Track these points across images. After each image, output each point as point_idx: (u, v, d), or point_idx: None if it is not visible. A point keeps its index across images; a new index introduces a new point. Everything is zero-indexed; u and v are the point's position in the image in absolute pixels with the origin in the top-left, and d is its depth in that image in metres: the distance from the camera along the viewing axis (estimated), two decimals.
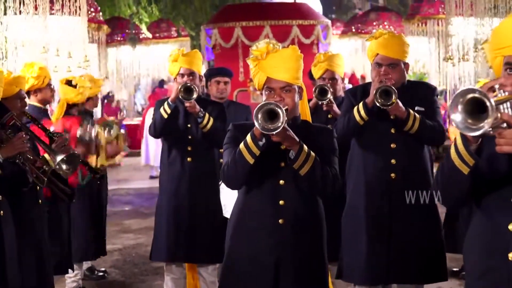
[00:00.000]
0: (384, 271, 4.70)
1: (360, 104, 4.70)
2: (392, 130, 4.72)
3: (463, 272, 6.73)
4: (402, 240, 4.65)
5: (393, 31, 8.77)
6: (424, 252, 4.66)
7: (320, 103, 5.79)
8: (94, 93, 6.63)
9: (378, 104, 4.56)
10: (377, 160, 4.76)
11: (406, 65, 4.89)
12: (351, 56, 15.12)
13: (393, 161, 4.72)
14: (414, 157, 4.84)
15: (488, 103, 2.24)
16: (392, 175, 4.69)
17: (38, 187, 4.70)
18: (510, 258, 2.55)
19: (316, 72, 5.99)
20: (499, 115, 2.32)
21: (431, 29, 11.97)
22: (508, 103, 2.38)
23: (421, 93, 4.90)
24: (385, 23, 14.39)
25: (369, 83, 4.92)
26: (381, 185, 4.68)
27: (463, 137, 2.50)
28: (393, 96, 4.51)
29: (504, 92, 2.43)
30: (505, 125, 2.32)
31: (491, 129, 2.31)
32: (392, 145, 4.74)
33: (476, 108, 2.29)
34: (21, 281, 4.41)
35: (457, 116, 2.32)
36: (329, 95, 5.73)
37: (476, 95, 2.29)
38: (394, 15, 15.04)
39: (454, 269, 6.79)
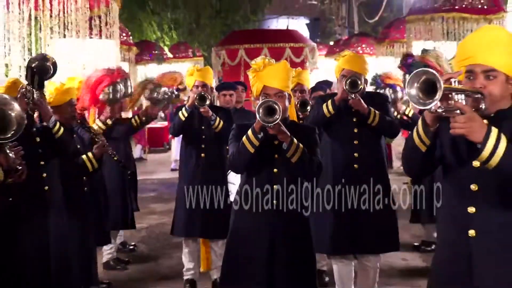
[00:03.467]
0: (347, 243, 4.67)
1: (329, 101, 4.69)
2: (355, 130, 4.72)
3: (422, 246, 6.78)
4: (363, 217, 4.57)
5: (366, 52, 8.85)
6: (380, 227, 4.67)
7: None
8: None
9: (346, 89, 4.54)
10: (343, 153, 4.75)
11: (366, 80, 4.86)
12: (331, 72, 15.23)
13: (356, 154, 4.71)
14: (372, 151, 4.82)
15: (438, 84, 2.27)
16: (355, 166, 4.69)
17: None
18: (469, 235, 2.53)
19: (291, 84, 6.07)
20: (453, 101, 2.34)
21: (397, 50, 11.90)
22: (463, 95, 2.38)
23: (377, 100, 4.87)
24: (363, 45, 14.28)
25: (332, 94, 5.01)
26: (346, 174, 4.63)
27: (424, 122, 2.52)
28: (359, 85, 4.53)
29: (458, 84, 2.43)
30: (458, 111, 2.31)
31: (443, 111, 2.33)
32: (355, 142, 4.73)
33: (428, 88, 2.30)
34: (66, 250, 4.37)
35: (412, 91, 2.34)
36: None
37: (431, 76, 2.31)
38: (371, 39, 15.01)
39: (415, 244, 6.73)
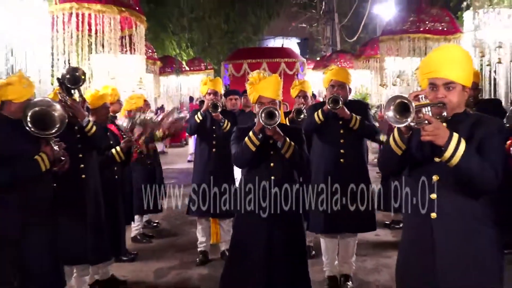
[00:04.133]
0: (336, 224, 4.68)
1: (319, 110, 4.72)
2: (341, 131, 4.71)
3: (392, 224, 6.75)
4: (349, 203, 4.51)
5: (345, 66, 8.86)
6: (362, 212, 4.63)
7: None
8: (138, 104, 6.30)
9: (329, 107, 4.56)
10: (332, 150, 4.74)
11: (350, 89, 4.89)
12: (320, 83, 15.27)
13: (342, 151, 4.70)
14: (355, 148, 4.83)
15: (410, 106, 2.32)
16: (342, 160, 4.70)
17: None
18: (431, 217, 2.54)
19: (294, 92, 5.98)
20: (422, 114, 2.37)
21: (372, 65, 11.89)
22: (429, 108, 2.41)
23: (358, 107, 4.86)
24: (342, 60, 14.26)
25: (322, 102, 4.98)
26: (334, 167, 4.68)
27: (399, 130, 2.53)
28: (340, 102, 4.53)
29: (425, 99, 2.49)
30: (426, 122, 2.35)
31: (415, 123, 2.37)
32: (341, 141, 4.73)
33: (402, 108, 2.35)
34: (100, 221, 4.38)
35: (390, 113, 2.37)
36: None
37: (404, 100, 2.35)
38: (349, 56, 15.01)
39: (386, 222, 6.74)
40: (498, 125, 2.55)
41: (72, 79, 4.21)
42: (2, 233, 3.36)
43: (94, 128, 4.23)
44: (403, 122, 2.34)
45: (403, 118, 2.33)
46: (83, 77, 4.28)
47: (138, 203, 6.00)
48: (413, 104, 2.32)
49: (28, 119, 3.39)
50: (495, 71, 5.57)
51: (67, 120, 3.53)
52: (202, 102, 5.59)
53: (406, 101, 2.33)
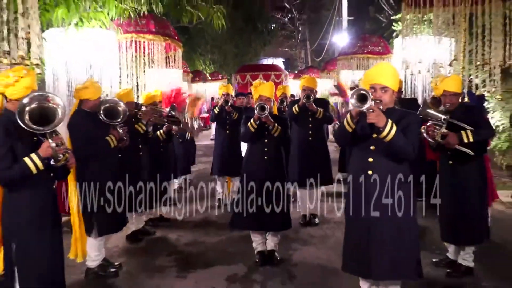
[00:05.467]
0: (306, 176, 4.55)
1: (296, 105, 4.69)
2: (310, 119, 4.68)
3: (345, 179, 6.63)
4: (316, 164, 4.68)
5: (313, 76, 8.80)
6: (325, 169, 4.74)
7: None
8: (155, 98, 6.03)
9: (304, 101, 4.51)
10: (303, 132, 4.69)
11: (316, 91, 4.88)
12: (297, 88, 15.16)
13: (310, 132, 4.70)
14: (319, 131, 4.80)
15: (368, 96, 2.34)
16: (310, 138, 4.71)
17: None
18: (369, 173, 2.50)
19: (278, 93, 6.00)
20: (369, 105, 2.37)
21: (332, 76, 11.82)
22: (373, 102, 2.39)
23: (321, 103, 4.78)
24: (311, 73, 14.17)
25: (298, 99, 4.87)
26: (305, 142, 4.71)
27: (351, 115, 2.50)
28: (311, 98, 4.53)
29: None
30: (372, 110, 2.35)
31: (366, 110, 2.35)
32: (310, 125, 4.69)
33: (361, 97, 2.36)
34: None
35: (352, 100, 2.36)
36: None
37: (363, 92, 2.36)
38: (316, 70, 14.90)
39: (339, 179, 6.54)
40: (415, 117, 2.56)
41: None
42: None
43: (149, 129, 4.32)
44: (362, 106, 2.33)
45: (362, 104, 2.33)
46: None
47: (181, 166, 5.93)
48: (370, 94, 2.33)
49: (102, 112, 3.33)
50: (415, 79, 5.50)
51: (128, 113, 3.50)
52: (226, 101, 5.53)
53: (365, 92, 2.33)
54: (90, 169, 3.29)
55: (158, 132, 4.70)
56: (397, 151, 2.40)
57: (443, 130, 3.13)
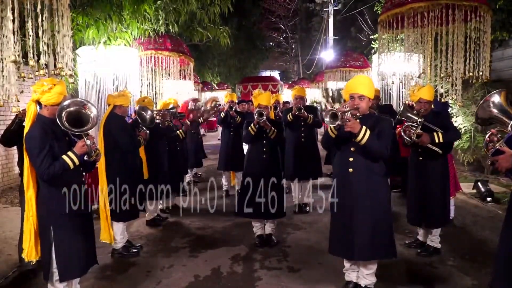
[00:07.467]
0: (301, 173, 4.63)
1: (290, 113, 4.55)
2: (302, 123, 4.60)
3: (332, 174, 6.61)
4: (309, 160, 4.64)
5: (304, 86, 8.84)
6: (316, 164, 4.72)
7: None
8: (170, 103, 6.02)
9: (296, 113, 4.47)
10: (296, 136, 4.64)
11: (306, 99, 4.84)
12: (289, 96, 15.14)
13: (302, 134, 4.65)
14: (310, 134, 4.73)
15: (338, 114, 2.33)
16: (303, 140, 4.65)
17: None
18: (349, 171, 2.49)
19: (272, 101, 5.94)
20: (345, 116, 2.35)
21: (320, 86, 11.83)
22: (349, 113, 2.38)
23: (311, 110, 4.74)
24: (302, 84, 14.17)
25: (291, 108, 4.73)
26: (299, 143, 4.65)
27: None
28: (302, 110, 4.48)
29: (347, 107, 2.42)
30: (348, 120, 2.35)
31: (342, 122, 2.34)
32: (302, 129, 4.63)
33: (333, 116, 2.33)
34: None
35: (327, 119, 2.36)
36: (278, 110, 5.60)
37: (334, 111, 2.34)
38: (307, 81, 14.88)
39: (328, 174, 6.46)
40: (388, 122, 2.55)
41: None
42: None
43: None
44: (334, 123, 2.35)
45: (333, 121, 2.34)
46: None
47: (191, 161, 5.92)
48: (339, 114, 2.33)
49: (139, 120, 3.66)
50: (390, 89, 5.50)
51: (154, 120, 3.73)
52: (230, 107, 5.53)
53: (335, 111, 2.34)
54: (119, 165, 3.31)
55: (178, 132, 4.70)
56: (372, 151, 2.42)
57: (419, 130, 3.14)
